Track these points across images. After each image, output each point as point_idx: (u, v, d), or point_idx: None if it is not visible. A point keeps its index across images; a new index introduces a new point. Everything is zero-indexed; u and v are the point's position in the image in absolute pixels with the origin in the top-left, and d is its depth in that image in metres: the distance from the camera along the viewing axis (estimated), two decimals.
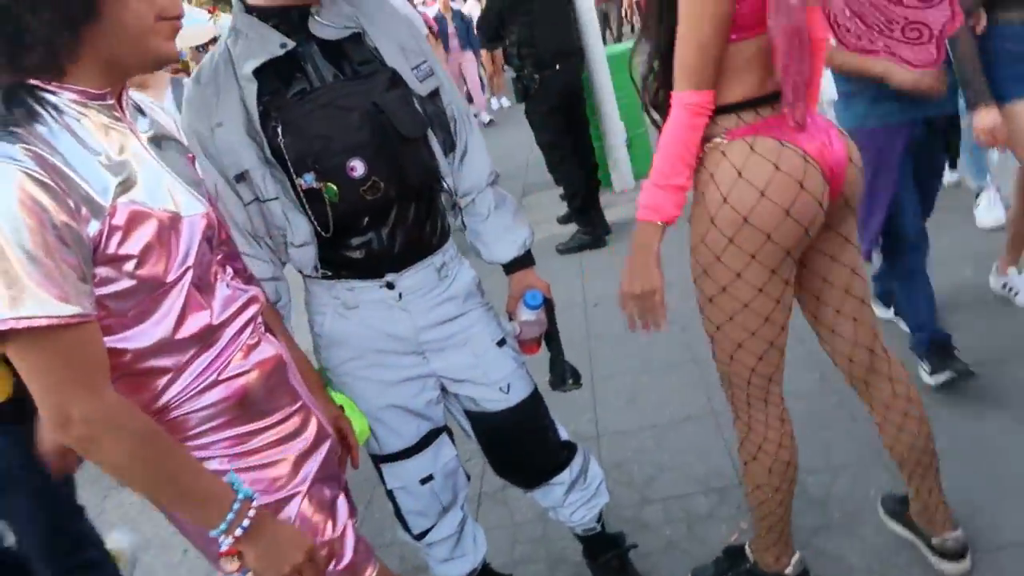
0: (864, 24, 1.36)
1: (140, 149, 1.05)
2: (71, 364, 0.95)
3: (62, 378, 0.94)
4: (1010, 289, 2.78)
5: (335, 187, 1.37)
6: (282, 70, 1.38)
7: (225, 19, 4.38)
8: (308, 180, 1.37)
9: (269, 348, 1.17)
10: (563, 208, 4.89)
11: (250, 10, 1.39)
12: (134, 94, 1.13)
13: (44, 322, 0.90)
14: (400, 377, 1.55)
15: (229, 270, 1.20)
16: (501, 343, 1.63)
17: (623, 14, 14.20)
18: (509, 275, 1.68)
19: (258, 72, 1.36)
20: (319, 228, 1.41)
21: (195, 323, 1.06)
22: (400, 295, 1.50)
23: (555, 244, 4.54)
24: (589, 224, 4.50)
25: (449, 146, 1.55)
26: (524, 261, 1.67)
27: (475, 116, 7.61)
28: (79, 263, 0.93)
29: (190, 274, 1.05)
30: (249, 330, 1.15)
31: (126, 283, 0.99)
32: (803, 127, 1.38)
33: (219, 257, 1.17)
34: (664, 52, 1.40)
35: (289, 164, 1.36)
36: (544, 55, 4.24)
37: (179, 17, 1.04)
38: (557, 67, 4.27)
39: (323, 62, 1.40)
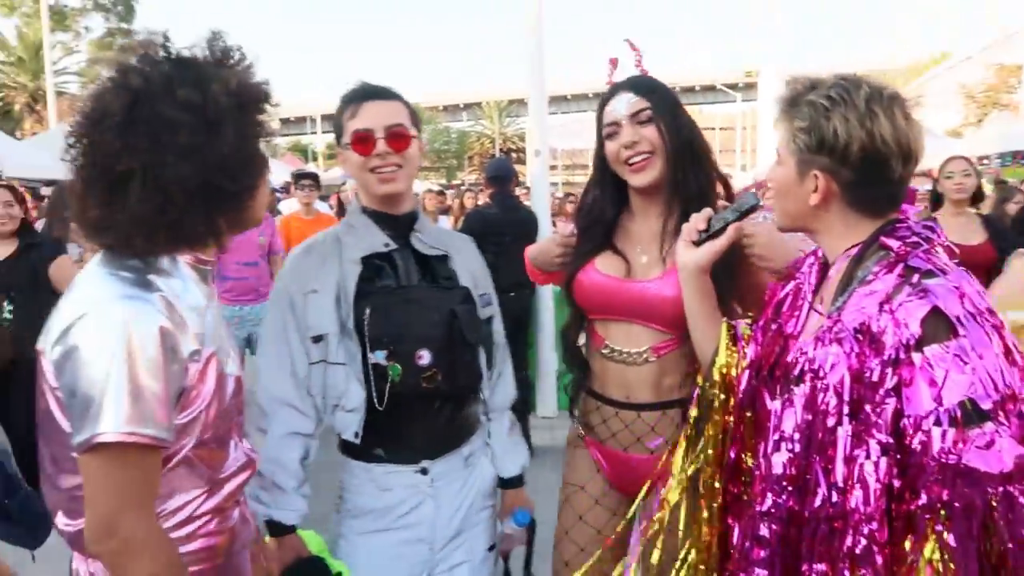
0: None
1: (215, 311, 1.24)
2: (142, 482, 1.06)
3: (128, 493, 1.04)
4: None
5: (400, 368, 1.60)
6: (377, 264, 1.66)
7: None
8: (378, 356, 1.60)
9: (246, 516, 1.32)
10: None
11: (365, 210, 1.70)
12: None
13: (147, 440, 1.03)
14: (406, 567, 1.66)
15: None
16: (491, 548, 1.79)
17: None
18: (504, 489, 1.88)
19: (361, 260, 1.64)
20: (375, 400, 1.60)
21: (205, 470, 1.19)
22: (432, 480, 1.67)
23: None
24: None
25: (490, 364, 1.83)
26: (520, 480, 1.89)
27: None
28: (173, 397, 1.09)
29: (221, 424, 1.20)
30: (238, 493, 1.28)
31: (188, 419, 1.14)
32: None
33: (237, 417, 1.30)
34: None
35: (366, 339, 1.59)
36: (502, 282, 4.68)
37: None
38: (512, 294, 4.73)
39: (413, 267, 1.69)
